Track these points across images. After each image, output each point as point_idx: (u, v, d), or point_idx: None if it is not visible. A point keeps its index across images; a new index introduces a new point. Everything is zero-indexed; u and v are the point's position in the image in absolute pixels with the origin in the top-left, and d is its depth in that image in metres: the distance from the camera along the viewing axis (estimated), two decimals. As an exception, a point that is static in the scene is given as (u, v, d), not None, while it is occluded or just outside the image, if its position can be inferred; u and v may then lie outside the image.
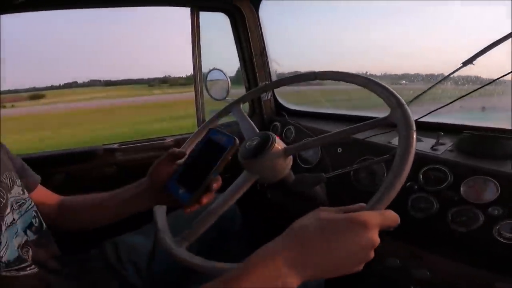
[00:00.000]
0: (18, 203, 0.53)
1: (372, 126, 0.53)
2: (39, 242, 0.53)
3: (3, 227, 0.46)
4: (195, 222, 0.54)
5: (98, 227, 0.64)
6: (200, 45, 1.10)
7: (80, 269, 0.61)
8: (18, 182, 0.55)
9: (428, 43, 1.06)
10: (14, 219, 0.50)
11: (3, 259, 0.43)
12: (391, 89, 0.52)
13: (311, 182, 0.64)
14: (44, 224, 0.57)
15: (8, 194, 0.51)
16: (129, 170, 1.02)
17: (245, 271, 0.34)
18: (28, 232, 0.52)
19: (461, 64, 0.76)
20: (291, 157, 0.60)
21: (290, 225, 0.39)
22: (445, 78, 0.79)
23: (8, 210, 0.50)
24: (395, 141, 0.78)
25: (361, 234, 0.35)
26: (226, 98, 1.32)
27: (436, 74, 0.92)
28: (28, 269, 0.46)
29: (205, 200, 0.52)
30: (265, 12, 1.19)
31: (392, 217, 0.38)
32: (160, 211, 0.62)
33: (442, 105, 0.73)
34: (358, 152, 0.81)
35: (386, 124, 0.50)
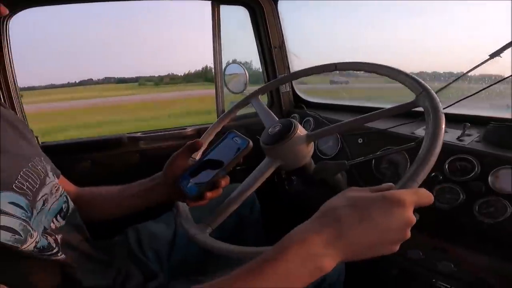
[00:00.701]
0: (55, 188, 0.55)
1: (399, 111, 0.53)
2: (68, 227, 0.55)
3: (34, 212, 0.47)
4: (218, 208, 0.56)
5: (113, 218, 0.66)
6: (220, 38, 1.12)
7: (106, 255, 0.63)
8: (49, 167, 0.57)
9: (448, 40, 1.04)
10: (48, 204, 0.51)
11: (38, 245, 0.44)
12: (414, 76, 0.52)
13: (333, 169, 0.64)
14: (71, 210, 0.58)
15: (46, 179, 0.53)
16: (151, 158, 1.04)
17: (280, 252, 0.33)
18: (58, 217, 0.54)
19: (488, 56, 0.74)
20: (312, 143, 0.60)
21: (322, 206, 0.38)
22: (472, 69, 0.77)
23: (41, 195, 0.51)
24: (418, 131, 0.77)
25: (397, 212, 0.34)
26: (244, 92, 1.34)
27: (455, 72, 0.90)
28: (56, 255, 0.48)
29: (209, 195, 0.53)
30: (284, 5, 1.20)
31: (427, 195, 0.36)
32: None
33: (469, 95, 0.71)
34: (380, 143, 0.80)
35: (412, 108, 0.50)
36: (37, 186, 0.49)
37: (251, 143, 0.52)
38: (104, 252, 0.63)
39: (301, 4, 1.29)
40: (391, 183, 0.39)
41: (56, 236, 0.50)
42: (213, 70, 1.19)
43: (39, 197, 0.50)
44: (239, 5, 1.16)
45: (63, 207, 0.56)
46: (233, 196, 0.57)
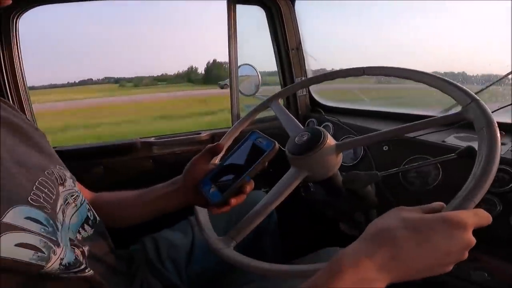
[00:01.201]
0: (73, 196, 0.51)
1: (444, 122, 0.50)
2: (95, 236, 0.52)
3: (59, 226, 0.43)
4: (242, 221, 0.53)
5: (131, 224, 0.64)
6: (236, 38, 1.08)
7: (128, 266, 0.61)
8: (68, 174, 0.54)
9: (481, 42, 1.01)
10: (68, 215, 0.48)
11: (64, 261, 0.41)
12: (460, 85, 0.49)
13: (364, 180, 0.62)
14: (98, 217, 0.56)
15: (61, 188, 0.49)
16: (165, 163, 1.02)
17: (332, 278, 0.32)
18: (86, 226, 0.51)
19: None
20: (341, 154, 0.58)
21: (370, 226, 0.36)
22: (506, 75, 0.74)
23: (59, 206, 0.47)
24: (449, 140, 0.74)
25: (458, 235, 0.33)
26: (256, 95, 1.31)
27: (493, 74, 0.87)
28: (86, 271, 0.45)
29: (234, 202, 0.50)
30: (301, 6, 1.17)
31: (486, 216, 0.35)
32: (201, 208, 0.61)
33: (509, 104, 0.68)
34: (407, 151, 0.77)
35: (460, 120, 0.48)
36: (54, 197, 0.46)
37: (277, 145, 0.49)
38: (126, 263, 0.61)
39: (318, 4, 1.26)
40: (442, 203, 0.38)
41: (83, 248, 0.47)
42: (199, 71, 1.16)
43: (58, 208, 0.46)
44: (255, 4, 1.13)
45: (89, 215, 0.53)
46: (257, 209, 0.53)
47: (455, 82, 0.50)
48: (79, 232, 0.49)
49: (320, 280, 0.33)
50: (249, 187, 0.51)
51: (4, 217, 0.35)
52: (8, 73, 0.94)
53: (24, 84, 0.98)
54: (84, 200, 0.54)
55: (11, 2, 0.43)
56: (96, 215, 0.56)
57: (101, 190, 0.67)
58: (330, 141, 0.55)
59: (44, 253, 0.38)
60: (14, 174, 0.41)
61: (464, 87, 0.48)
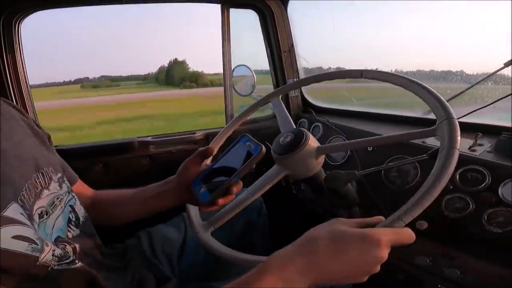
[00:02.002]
0: (58, 199, 0.53)
1: (417, 137, 0.53)
2: (82, 235, 0.55)
3: (35, 225, 0.45)
4: (223, 210, 0.57)
5: (128, 221, 0.67)
6: (230, 41, 1.12)
7: (120, 260, 0.64)
8: (55, 177, 0.55)
9: (469, 41, 1.03)
10: (51, 216, 0.50)
11: (56, 253, 0.44)
12: (442, 99, 0.49)
13: (344, 178, 0.65)
14: (82, 218, 0.58)
15: (44, 191, 0.51)
16: (161, 161, 1.06)
17: (259, 275, 0.37)
18: (71, 226, 0.54)
19: (503, 65, 0.73)
20: (323, 156, 0.61)
21: (306, 232, 0.41)
22: (486, 78, 0.77)
23: (36, 208, 0.48)
24: (429, 140, 0.77)
25: (370, 251, 0.36)
26: (252, 95, 1.34)
27: (475, 74, 0.89)
28: (74, 264, 0.48)
29: (221, 201, 0.53)
30: (293, 9, 1.20)
31: (408, 236, 0.39)
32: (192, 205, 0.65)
33: (483, 106, 0.71)
34: (390, 151, 0.80)
35: (431, 136, 0.50)
36: (31, 200, 0.48)
37: (264, 148, 0.52)
38: (118, 258, 0.65)
39: (310, 7, 1.28)
40: (380, 217, 0.42)
41: (75, 244, 0.51)
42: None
43: (34, 210, 0.48)
44: (248, 8, 1.16)
45: (70, 216, 0.55)
46: (239, 199, 0.58)
47: (440, 97, 0.50)
48: (68, 231, 0.52)
49: (249, 277, 0.38)
50: (236, 188, 0.54)
51: (5, 211, 0.39)
52: (12, 75, 0.98)
53: (26, 85, 1.02)
54: (67, 202, 0.56)
55: None
56: (80, 216, 0.58)
57: (101, 186, 0.71)
58: (312, 143, 0.57)
59: (37, 244, 0.42)
60: (14, 170, 0.45)
61: (447, 104, 0.48)
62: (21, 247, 0.40)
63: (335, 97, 1.33)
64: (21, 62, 1.00)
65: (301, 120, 1.16)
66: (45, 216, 0.49)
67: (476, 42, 0.99)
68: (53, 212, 0.51)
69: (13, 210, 0.41)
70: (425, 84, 0.54)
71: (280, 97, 0.78)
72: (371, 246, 0.36)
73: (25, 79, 1.02)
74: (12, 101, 0.98)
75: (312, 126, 1.08)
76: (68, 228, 0.53)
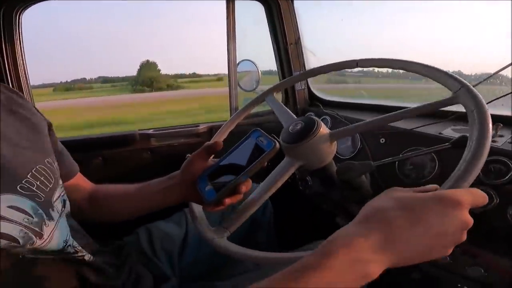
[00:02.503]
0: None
1: (435, 107, 0.50)
2: (75, 230, 0.53)
3: (54, 215, 0.46)
4: (236, 212, 0.52)
5: (129, 218, 0.64)
6: (235, 35, 1.09)
7: (115, 257, 0.60)
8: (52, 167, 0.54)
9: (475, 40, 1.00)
10: (60, 208, 0.49)
11: (46, 248, 0.42)
12: (450, 72, 0.49)
13: (358, 170, 0.62)
14: (67, 211, 0.55)
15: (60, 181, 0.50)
16: (162, 155, 1.03)
17: (324, 258, 0.30)
18: (70, 220, 0.52)
19: None
20: (335, 143, 0.58)
21: (363, 208, 0.35)
22: (501, 69, 0.74)
23: (57, 196, 0.49)
24: (447, 132, 0.73)
25: (453, 214, 0.31)
26: (256, 90, 1.31)
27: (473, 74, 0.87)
28: (68, 256, 0.46)
29: (228, 201, 0.49)
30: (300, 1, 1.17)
31: (482, 195, 0.34)
32: None
33: (504, 94, 0.68)
34: (404, 143, 0.76)
35: (450, 104, 0.47)
36: (51, 186, 0.46)
37: (277, 144, 0.48)
38: (113, 254, 0.61)
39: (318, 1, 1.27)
40: (436, 185, 0.37)
41: (69, 238, 0.48)
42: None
43: (56, 197, 0.47)
44: (254, 0, 1.14)
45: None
46: (251, 199, 0.53)
47: (444, 70, 0.50)
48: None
49: (311, 261, 0.31)
50: (245, 187, 0.50)
51: None
52: (11, 67, 0.96)
53: (26, 78, 1.00)
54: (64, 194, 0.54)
55: None
56: (66, 209, 0.54)
57: (101, 180, 0.67)
58: (324, 129, 0.54)
59: (19, 243, 0.38)
60: (6, 161, 0.41)
61: (454, 74, 0.48)
62: (2, 244, 0.37)
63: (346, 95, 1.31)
64: (21, 54, 0.98)
65: (308, 114, 1.13)
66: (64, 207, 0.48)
67: (475, 42, 0.97)
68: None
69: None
70: (427, 63, 0.53)
71: (274, 94, 0.75)
72: (451, 207, 0.31)
73: (25, 72, 1.00)
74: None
75: (320, 119, 1.04)
76: (68, 222, 0.50)
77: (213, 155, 0.57)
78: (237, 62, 1.16)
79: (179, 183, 0.56)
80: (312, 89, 1.22)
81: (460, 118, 0.75)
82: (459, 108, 0.47)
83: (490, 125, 0.39)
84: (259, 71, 1.24)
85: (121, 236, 0.70)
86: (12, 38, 0.95)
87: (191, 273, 0.71)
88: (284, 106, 0.69)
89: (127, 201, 0.63)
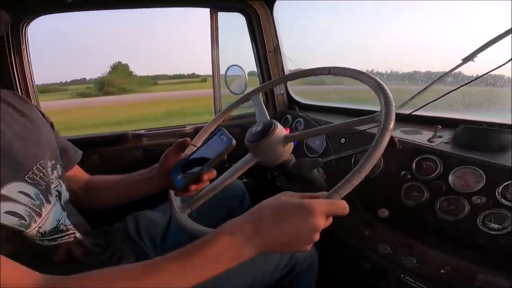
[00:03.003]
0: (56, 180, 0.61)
1: (361, 123, 0.56)
2: (70, 215, 0.62)
3: (52, 200, 0.55)
4: (200, 193, 0.63)
5: (117, 205, 0.74)
6: (218, 43, 1.19)
7: (103, 239, 0.71)
8: (50, 163, 0.61)
9: (432, 40, 1.07)
10: (55, 194, 0.58)
11: (41, 230, 0.51)
12: (384, 86, 0.53)
13: (309, 165, 0.70)
14: (64, 200, 0.63)
15: (53, 173, 0.59)
16: (152, 153, 1.13)
17: (210, 239, 0.42)
18: (65, 206, 0.61)
19: (461, 61, 0.77)
20: (291, 143, 0.65)
21: (256, 205, 0.45)
22: (445, 75, 0.82)
23: (54, 186, 0.58)
24: (396, 133, 0.82)
25: (306, 219, 0.40)
26: (244, 93, 1.40)
27: (434, 71, 0.94)
28: (55, 240, 0.54)
29: (193, 188, 0.59)
30: (279, 11, 1.26)
31: (341, 207, 0.42)
32: None
33: (437, 98, 0.76)
34: (360, 142, 0.85)
35: (372, 122, 0.52)
36: (47, 179, 0.57)
37: (234, 142, 0.57)
38: (102, 236, 0.71)
39: (295, 8, 1.35)
40: (324, 192, 0.45)
41: (60, 224, 0.58)
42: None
43: (52, 187, 0.58)
44: (236, 11, 1.23)
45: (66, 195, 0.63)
46: (214, 184, 0.63)
47: (381, 83, 0.54)
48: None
49: (203, 242, 0.42)
50: (208, 176, 0.60)
51: (1, 189, 0.47)
52: (20, 76, 1.06)
53: (33, 86, 1.10)
54: (54, 188, 0.61)
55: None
56: (63, 199, 0.63)
57: (97, 175, 0.77)
58: (280, 132, 0.62)
59: (26, 220, 0.49)
60: (17, 155, 0.53)
61: (387, 92, 0.51)
62: (11, 221, 0.47)
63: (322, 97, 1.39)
64: (28, 63, 1.08)
65: (285, 115, 1.22)
66: (60, 195, 0.58)
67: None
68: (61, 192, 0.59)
69: (11, 189, 0.48)
70: (371, 75, 0.58)
71: (260, 95, 0.84)
72: (307, 214, 0.40)
73: (32, 80, 1.09)
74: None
75: (295, 121, 1.14)
76: (63, 209, 0.60)
77: (184, 150, 0.66)
78: (225, 67, 1.25)
79: (157, 174, 0.67)
80: (290, 93, 1.32)
81: (407, 120, 0.84)
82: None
83: (379, 153, 0.43)
84: (246, 75, 1.33)
85: (112, 223, 0.80)
86: (19, 48, 1.05)
87: None
88: (263, 107, 0.76)
89: (112, 190, 0.74)
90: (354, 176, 0.42)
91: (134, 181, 0.72)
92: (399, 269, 0.76)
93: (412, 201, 0.72)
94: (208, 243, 0.41)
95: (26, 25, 1.07)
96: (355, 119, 0.57)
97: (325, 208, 0.41)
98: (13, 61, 1.04)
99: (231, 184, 0.68)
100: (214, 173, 0.62)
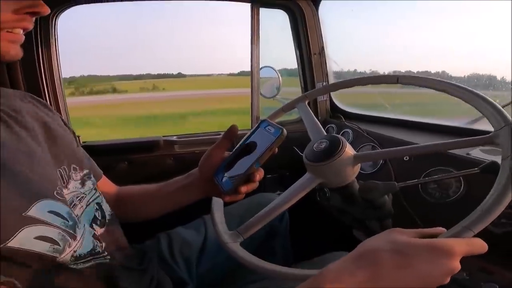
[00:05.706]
0: (78, 198, 0.52)
1: (472, 144, 0.48)
2: (106, 234, 0.54)
3: (76, 219, 0.46)
4: (252, 218, 0.54)
5: (153, 218, 0.67)
6: (259, 41, 1.10)
7: (140, 261, 0.63)
8: (76, 176, 0.54)
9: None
10: (77, 215, 0.48)
11: (76, 253, 0.44)
12: (497, 105, 0.46)
13: (381, 190, 0.61)
14: (108, 216, 0.57)
15: (65, 190, 0.49)
16: (185, 161, 1.06)
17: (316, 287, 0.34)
18: (94, 226, 0.52)
19: None
20: (359, 164, 0.57)
21: (361, 244, 0.37)
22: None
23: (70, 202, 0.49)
24: (474, 152, 0.71)
25: (442, 263, 0.33)
26: (277, 96, 1.32)
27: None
28: (90, 262, 0.47)
29: (243, 189, 0.51)
30: (325, 11, 1.17)
31: (481, 245, 0.36)
32: (217, 203, 0.63)
33: None
34: (429, 162, 0.74)
35: (489, 144, 0.45)
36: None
37: (285, 131, 0.49)
38: (138, 259, 0.63)
39: (343, 8, 1.25)
40: (442, 228, 0.38)
41: (101, 243, 0.51)
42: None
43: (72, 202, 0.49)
44: (279, 8, 1.14)
45: (97, 215, 0.54)
46: (268, 209, 0.55)
47: (491, 100, 0.46)
48: (93, 230, 0.51)
49: None
50: (259, 175, 0.52)
51: (29, 210, 0.38)
52: (46, 69, 1.01)
53: (60, 80, 1.05)
54: (92, 201, 0.55)
55: (49, 11, 0.45)
56: (106, 214, 0.57)
57: (125, 184, 0.70)
58: (349, 151, 0.54)
59: (59, 245, 0.41)
60: (43, 169, 0.44)
61: (500, 108, 0.45)
62: (42, 247, 0.39)
63: (366, 103, 1.28)
64: (56, 57, 1.03)
65: (329, 125, 1.12)
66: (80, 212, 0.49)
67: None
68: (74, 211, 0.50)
69: (40, 209, 0.40)
70: (474, 90, 0.49)
71: (307, 102, 0.75)
72: (442, 257, 0.33)
73: (59, 74, 1.05)
74: (45, 95, 1.01)
75: (341, 132, 1.04)
76: (91, 228, 0.51)
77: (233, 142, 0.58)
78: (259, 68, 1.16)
79: (196, 179, 0.60)
80: (334, 100, 1.22)
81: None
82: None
83: None
84: (280, 77, 1.24)
85: (142, 241, 0.73)
86: (48, 40, 0.99)
87: (208, 280, 0.72)
88: (315, 119, 0.68)
89: (150, 201, 0.66)
90: (491, 211, 0.35)
91: (172, 190, 0.64)
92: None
93: (500, 227, 0.63)
94: None
95: (56, 17, 1.01)
96: (462, 139, 0.48)
97: (465, 249, 0.34)
98: (41, 55, 0.99)
99: (267, 197, 0.59)
100: (262, 171, 0.53)
